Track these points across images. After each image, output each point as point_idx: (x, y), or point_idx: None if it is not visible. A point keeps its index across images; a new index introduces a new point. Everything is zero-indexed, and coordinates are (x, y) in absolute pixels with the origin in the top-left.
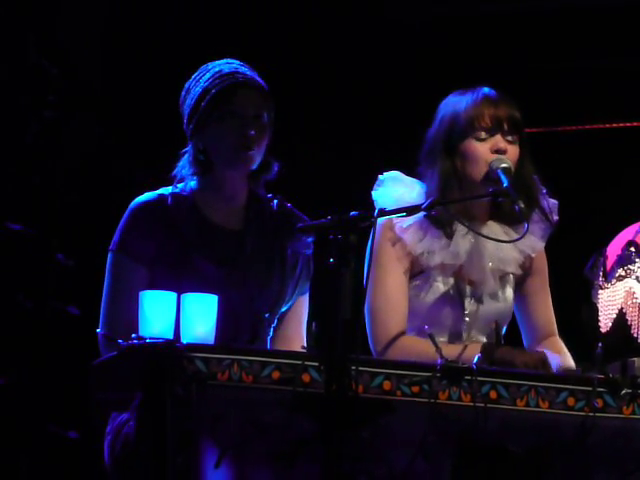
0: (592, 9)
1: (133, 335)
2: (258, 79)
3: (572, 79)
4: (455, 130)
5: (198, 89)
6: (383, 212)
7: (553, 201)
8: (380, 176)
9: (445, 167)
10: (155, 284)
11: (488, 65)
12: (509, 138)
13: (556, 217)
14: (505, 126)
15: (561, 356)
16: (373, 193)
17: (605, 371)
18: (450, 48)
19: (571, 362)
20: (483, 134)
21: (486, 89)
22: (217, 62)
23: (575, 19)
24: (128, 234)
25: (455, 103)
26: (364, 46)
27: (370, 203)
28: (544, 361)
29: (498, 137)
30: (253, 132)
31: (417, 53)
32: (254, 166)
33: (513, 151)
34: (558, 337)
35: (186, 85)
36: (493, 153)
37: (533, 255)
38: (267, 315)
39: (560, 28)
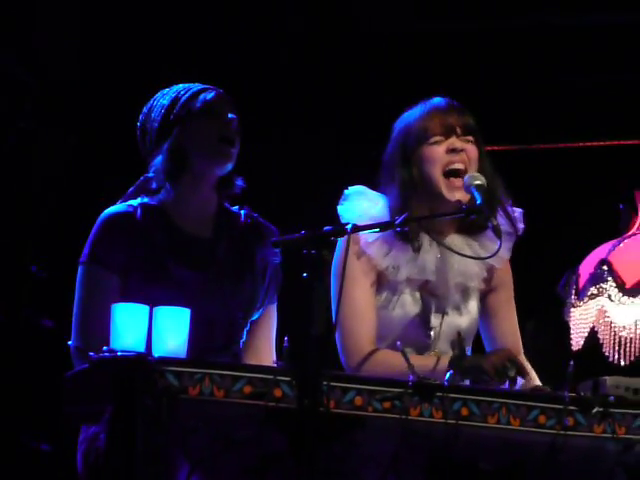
0: (564, 27)
1: (104, 348)
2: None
3: (547, 96)
4: (409, 140)
5: (165, 101)
6: (357, 227)
7: (518, 209)
8: (346, 190)
9: (403, 177)
10: (128, 293)
11: (460, 81)
12: (463, 139)
13: (522, 225)
14: (458, 130)
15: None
16: (339, 208)
17: (576, 389)
18: (422, 64)
19: (537, 381)
20: (437, 138)
21: (436, 99)
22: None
23: (548, 36)
24: (99, 244)
25: (407, 118)
26: (341, 60)
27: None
28: (510, 357)
29: (453, 139)
30: (235, 125)
31: (388, 67)
32: (230, 166)
33: (471, 149)
34: (523, 356)
35: (144, 110)
36: (449, 153)
37: (498, 267)
38: (241, 320)
39: (533, 45)
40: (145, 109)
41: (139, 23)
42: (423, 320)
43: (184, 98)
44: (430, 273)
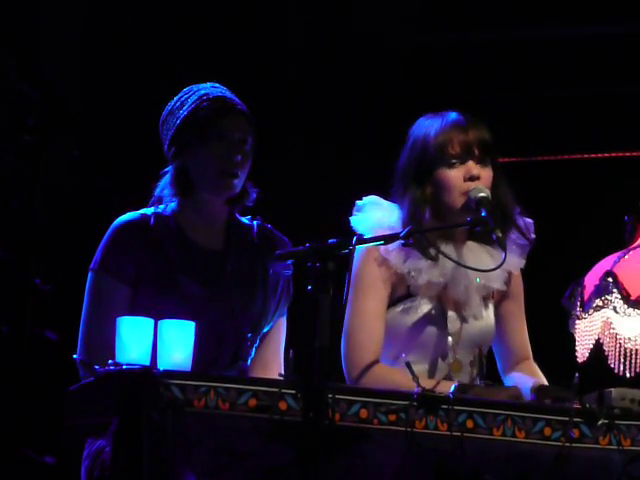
0: (574, 38)
1: (110, 361)
2: (243, 105)
3: (551, 109)
4: (425, 158)
5: (183, 111)
6: (361, 240)
7: (529, 220)
8: (358, 202)
9: (416, 196)
10: (137, 303)
11: (470, 94)
12: (481, 163)
13: (533, 235)
14: (476, 151)
15: (535, 379)
16: (352, 219)
17: (582, 401)
18: (431, 76)
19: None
20: (454, 161)
21: (454, 114)
22: (202, 85)
23: (556, 47)
24: (110, 252)
25: (426, 128)
26: (349, 72)
27: (350, 228)
28: (519, 397)
29: (470, 163)
30: (240, 157)
31: (399, 79)
32: (236, 192)
33: (487, 175)
34: (533, 361)
35: (168, 106)
36: (467, 181)
37: (515, 273)
38: (250, 335)
39: (541, 57)
40: (169, 106)
41: (142, 37)
42: (441, 327)
43: (195, 118)
44: (450, 275)
